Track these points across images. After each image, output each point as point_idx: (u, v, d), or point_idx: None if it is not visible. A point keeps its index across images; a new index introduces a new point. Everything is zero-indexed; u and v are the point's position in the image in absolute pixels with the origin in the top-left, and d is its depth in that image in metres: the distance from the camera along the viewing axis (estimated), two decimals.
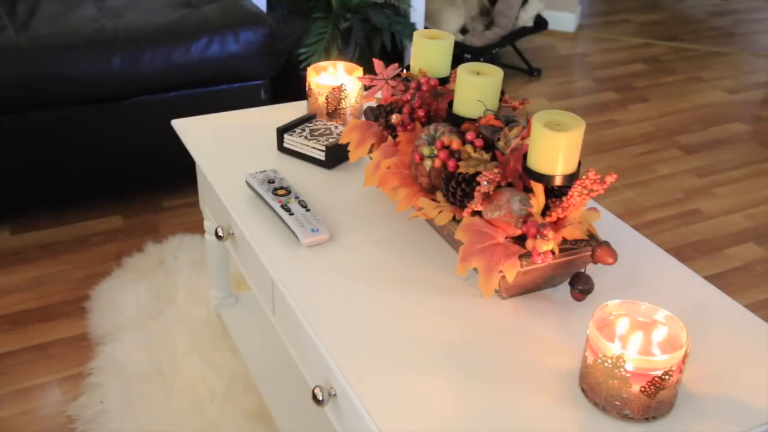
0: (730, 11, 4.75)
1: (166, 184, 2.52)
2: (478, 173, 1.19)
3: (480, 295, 1.20)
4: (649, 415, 0.98)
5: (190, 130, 1.67)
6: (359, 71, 1.70)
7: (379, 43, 2.99)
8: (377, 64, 1.47)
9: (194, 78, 2.30)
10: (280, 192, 1.38)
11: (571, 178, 1.11)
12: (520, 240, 1.13)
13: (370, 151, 1.41)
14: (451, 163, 1.21)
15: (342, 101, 1.65)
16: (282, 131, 1.58)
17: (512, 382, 1.04)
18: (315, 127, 1.60)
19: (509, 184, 1.18)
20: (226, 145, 1.61)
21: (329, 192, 1.46)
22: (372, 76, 1.47)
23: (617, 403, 0.98)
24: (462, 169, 1.20)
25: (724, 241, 2.47)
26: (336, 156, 1.54)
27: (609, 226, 1.40)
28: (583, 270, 1.17)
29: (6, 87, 2.09)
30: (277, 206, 1.34)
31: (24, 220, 2.35)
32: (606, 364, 0.96)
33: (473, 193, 1.17)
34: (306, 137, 1.55)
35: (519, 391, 1.03)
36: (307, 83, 1.69)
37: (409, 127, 1.34)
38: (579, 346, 1.11)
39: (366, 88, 1.54)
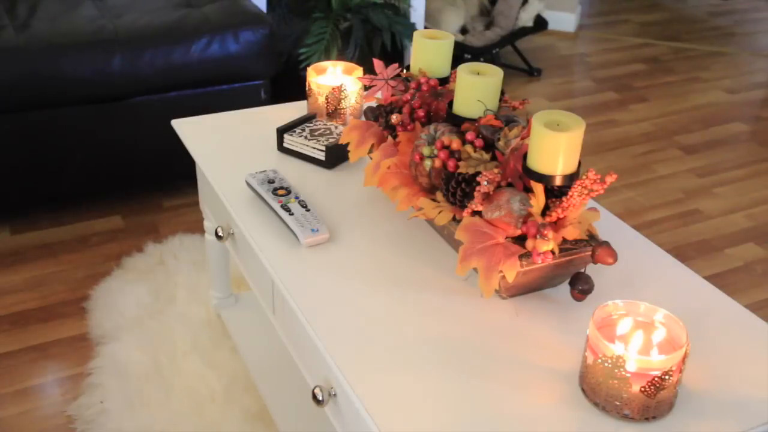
0: (730, 11, 4.75)
1: (166, 184, 2.52)
2: (478, 173, 1.19)
3: (480, 295, 1.20)
4: (649, 415, 0.98)
5: (190, 130, 1.67)
6: (359, 71, 1.70)
7: (379, 43, 2.99)
8: (377, 64, 1.47)
9: (194, 78, 2.30)
10: (280, 192, 1.38)
11: (571, 178, 1.11)
12: (520, 240, 1.13)
13: (370, 151, 1.41)
14: (451, 163, 1.21)
15: (342, 101, 1.65)
16: (282, 131, 1.58)
17: (512, 382, 1.04)
18: (315, 127, 1.60)
19: (509, 184, 1.18)
20: (226, 145, 1.61)
21: (329, 192, 1.46)
22: (372, 76, 1.47)
23: (617, 403, 0.98)
24: (462, 169, 1.20)
25: (724, 241, 2.47)
26: (336, 156, 1.54)
27: (609, 226, 1.40)
28: (583, 270, 1.17)
29: (6, 87, 2.09)
30: (277, 206, 1.34)
31: (24, 220, 2.35)
32: (606, 364, 0.96)
33: (473, 193, 1.17)
34: (306, 137, 1.55)
35: (519, 391, 1.03)
36: (307, 83, 1.69)
37: (409, 127, 1.34)
38: (579, 346, 1.11)
39: (366, 88, 1.54)
